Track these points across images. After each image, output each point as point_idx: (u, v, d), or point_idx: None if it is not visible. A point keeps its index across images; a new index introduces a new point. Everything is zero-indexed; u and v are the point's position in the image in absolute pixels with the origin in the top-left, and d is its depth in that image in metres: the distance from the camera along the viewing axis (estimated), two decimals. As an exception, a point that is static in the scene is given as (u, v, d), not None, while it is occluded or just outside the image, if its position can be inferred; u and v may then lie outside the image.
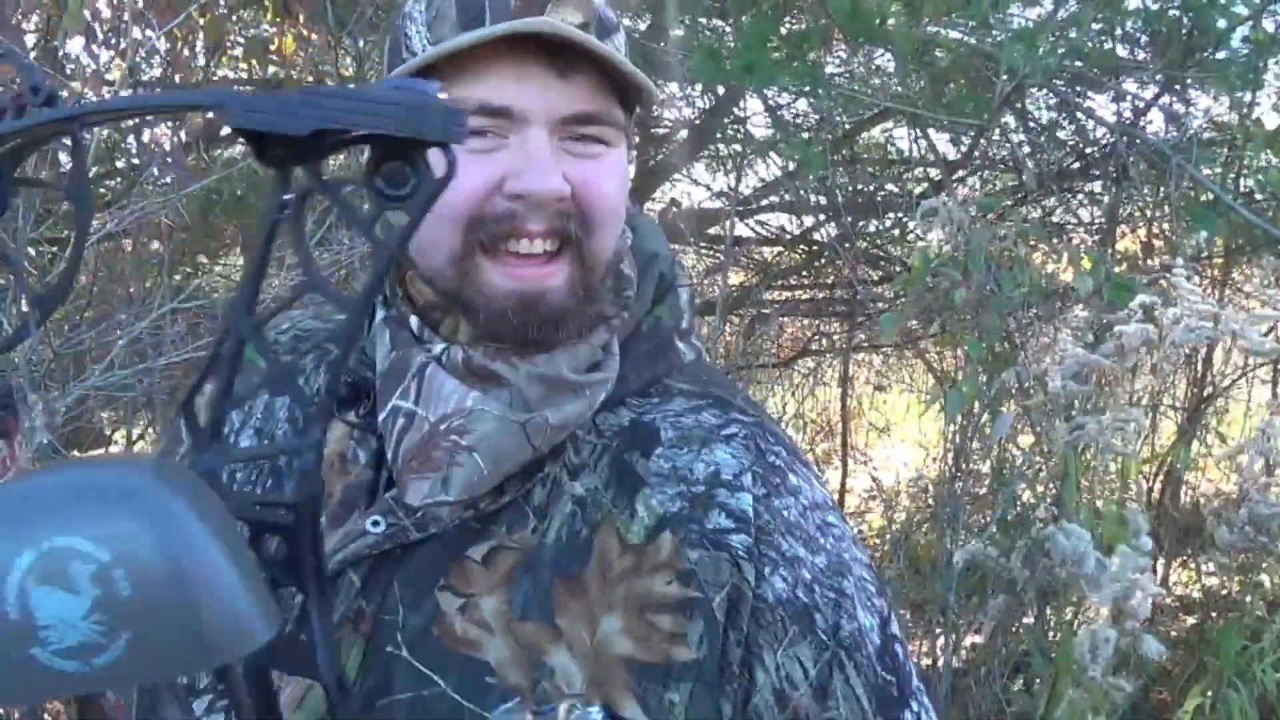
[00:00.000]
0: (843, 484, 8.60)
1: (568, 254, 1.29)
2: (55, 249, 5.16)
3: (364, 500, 1.33)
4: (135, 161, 6.34)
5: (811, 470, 1.40)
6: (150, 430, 6.01)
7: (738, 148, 7.27)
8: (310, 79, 6.21)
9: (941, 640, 5.66)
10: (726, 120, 7.43)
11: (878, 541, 8.31)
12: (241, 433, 1.42)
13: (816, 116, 6.69)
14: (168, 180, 5.15)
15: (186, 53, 5.64)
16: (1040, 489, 5.02)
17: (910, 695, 1.30)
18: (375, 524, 1.29)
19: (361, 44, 6.23)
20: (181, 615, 0.61)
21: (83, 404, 4.83)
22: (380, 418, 1.32)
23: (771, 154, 7.20)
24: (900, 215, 7.25)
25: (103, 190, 6.60)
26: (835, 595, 1.29)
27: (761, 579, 1.27)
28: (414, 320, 1.35)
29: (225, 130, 7.22)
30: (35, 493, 0.62)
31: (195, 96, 0.98)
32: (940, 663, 5.47)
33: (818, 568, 1.30)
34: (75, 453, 5.47)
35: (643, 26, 6.45)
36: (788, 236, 8.18)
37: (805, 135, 6.62)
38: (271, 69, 6.25)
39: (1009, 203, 6.60)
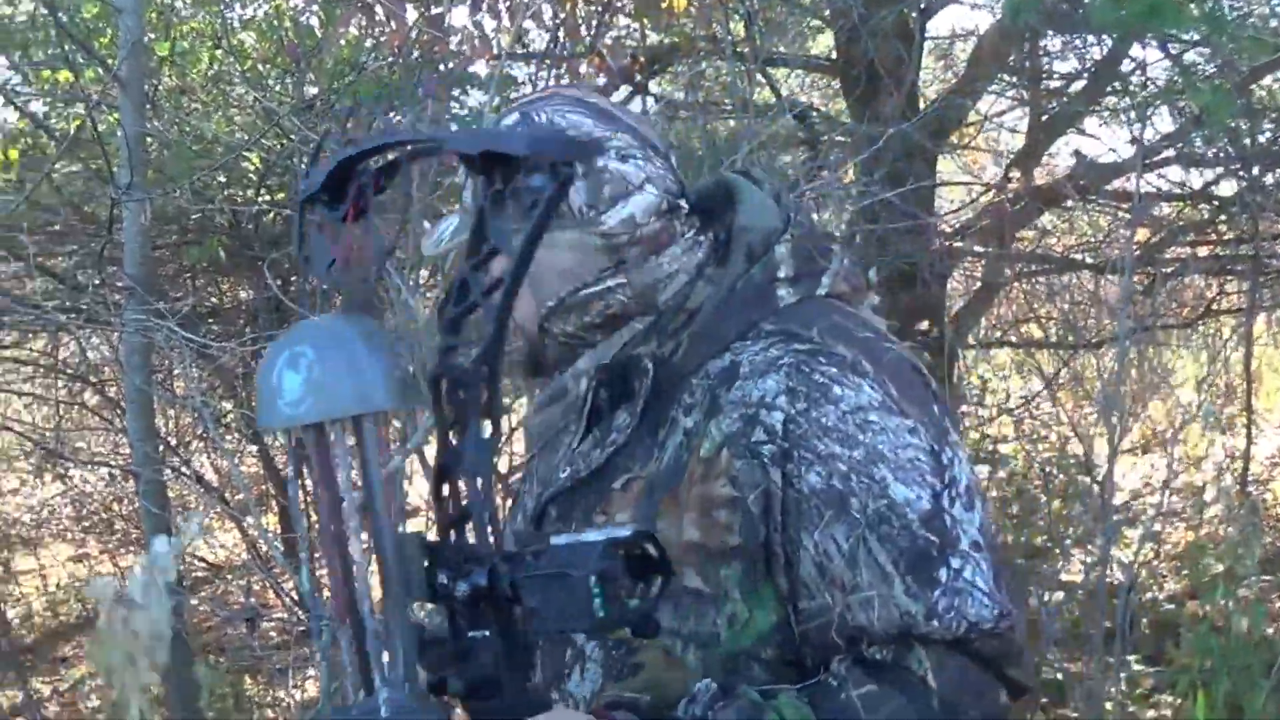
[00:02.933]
0: (1247, 450, 8.28)
1: None
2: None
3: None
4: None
5: (873, 379, 1.68)
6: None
7: (1131, 99, 7.02)
8: (701, 42, 6.21)
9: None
10: (1124, 69, 7.17)
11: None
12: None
13: (1215, 63, 6.41)
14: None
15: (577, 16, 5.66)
16: None
17: (953, 554, 1.60)
18: (563, 472, 1.87)
19: (750, 3, 6.21)
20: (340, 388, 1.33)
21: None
22: None
23: (1168, 107, 6.92)
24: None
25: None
26: (869, 480, 1.61)
27: (795, 477, 1.63)
28: None
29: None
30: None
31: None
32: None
33: (854, 460, 1.63)
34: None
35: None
36: (1188, 191, 7.87)
37: (1206, 82, 6.34)
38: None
39: None
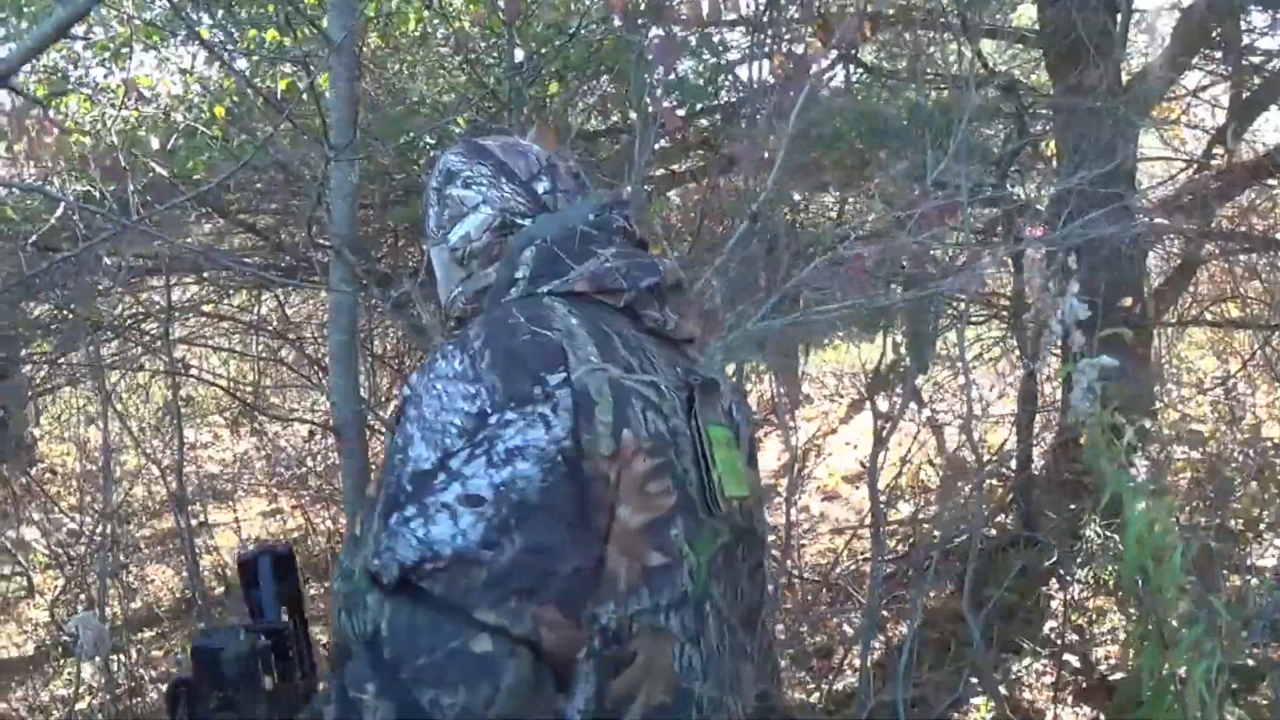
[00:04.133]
0: None
1: None
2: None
3: None
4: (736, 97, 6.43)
5: (472, 353, 1.80)
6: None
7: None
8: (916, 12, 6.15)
9: None
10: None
11: None
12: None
13: None
14: (764, 113, 5.18)
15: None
16: None
17: (414, 503, 1.67)
18: None
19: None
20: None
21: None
22: None
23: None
24: None
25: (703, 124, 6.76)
26: (405, 438, 1.74)
27: (396, 435, 1.77)
28: None
29: (827, 70, 7.31)
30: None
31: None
32: None
33: (409, 418, 1.77)
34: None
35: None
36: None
37: None
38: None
39: None
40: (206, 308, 8.67)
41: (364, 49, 6.80)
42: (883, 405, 5.60)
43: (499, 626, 1.59)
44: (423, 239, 2.25)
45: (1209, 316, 8.68)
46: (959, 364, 5.75)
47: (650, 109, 4.56)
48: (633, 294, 1.99)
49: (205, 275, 7.59)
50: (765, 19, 5.81)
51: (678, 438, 1.85)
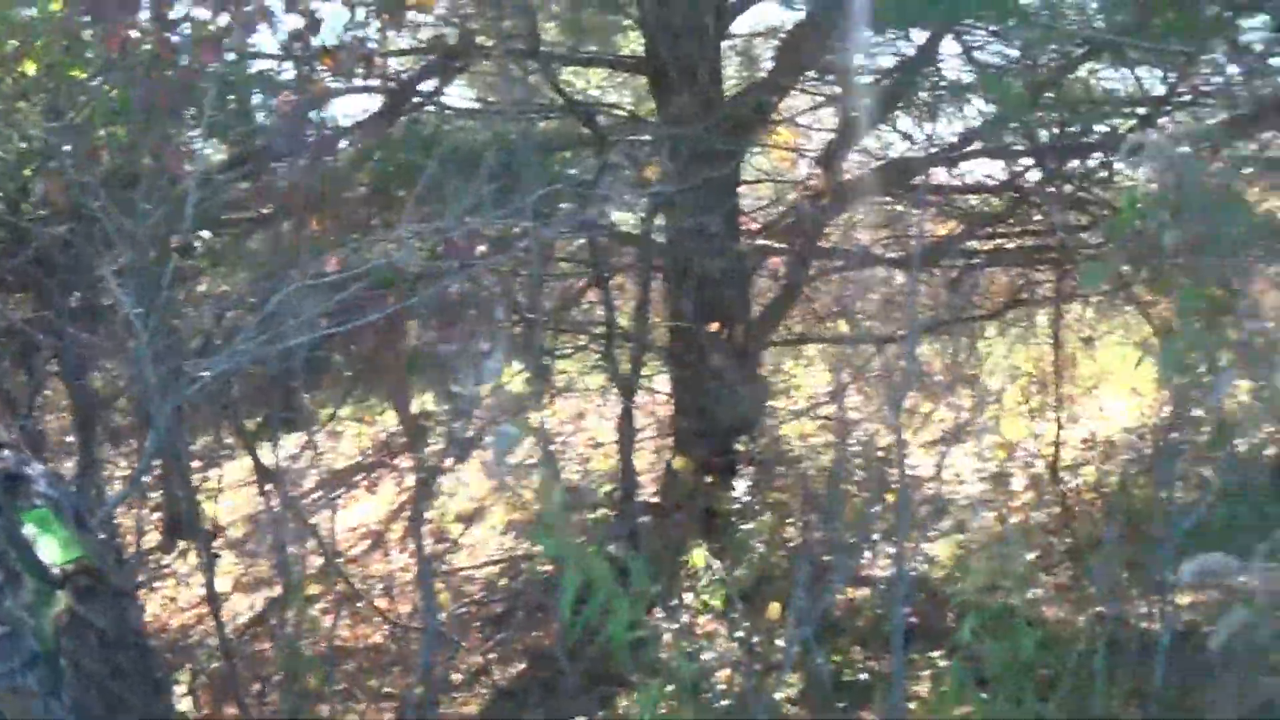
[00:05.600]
0: (1057, 436, 8.32)
1: None
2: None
3: None
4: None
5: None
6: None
7: (929, 95, 7.06)
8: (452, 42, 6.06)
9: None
10: (929, 68, 7.21)
11: (1092, 495, 8.04)
12: None
13: (1016, 56, 6.45)
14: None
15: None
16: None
17: None
18: None
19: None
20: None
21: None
22: None
23: (975, 100, 6.99)
24: (1107, 156, 6.91)
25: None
26: None
27: None
28: None
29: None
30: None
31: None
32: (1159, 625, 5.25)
33: None
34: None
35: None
36: (991, 183, 7.93)
37: (1005, 77, 6.39)
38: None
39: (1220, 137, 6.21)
40: None
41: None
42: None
43: None
44: None
45: (820, 333, 8.83)
46: (541, 396, 5.69)
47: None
48: None
49: None
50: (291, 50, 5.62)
51: None
